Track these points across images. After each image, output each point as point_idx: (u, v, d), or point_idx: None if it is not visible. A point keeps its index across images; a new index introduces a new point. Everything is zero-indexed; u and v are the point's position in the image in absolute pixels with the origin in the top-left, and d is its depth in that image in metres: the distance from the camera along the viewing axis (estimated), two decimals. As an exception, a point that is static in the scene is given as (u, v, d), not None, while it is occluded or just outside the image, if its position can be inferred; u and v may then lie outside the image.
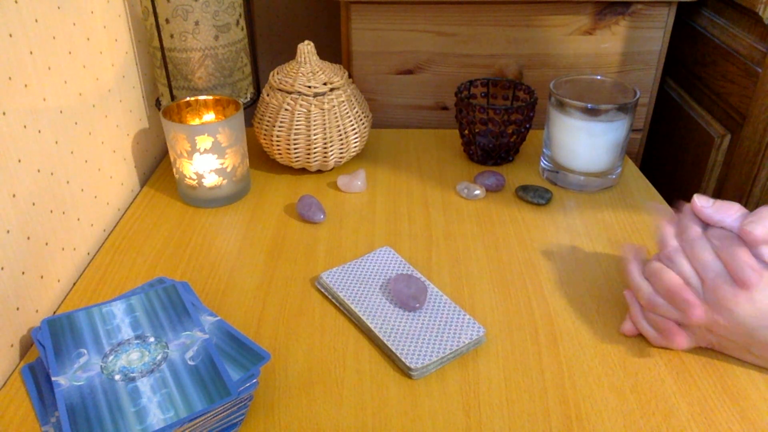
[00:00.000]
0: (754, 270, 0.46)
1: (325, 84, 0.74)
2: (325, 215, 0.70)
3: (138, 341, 0.50)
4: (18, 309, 0.53)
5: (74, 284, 0.61)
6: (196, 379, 0.46)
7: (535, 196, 0.73)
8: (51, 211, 0.58)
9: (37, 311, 0.56)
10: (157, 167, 0.82)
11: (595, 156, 0.74)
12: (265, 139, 0.77)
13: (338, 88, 0.75)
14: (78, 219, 0.63)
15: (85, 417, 0.43)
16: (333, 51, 1.19)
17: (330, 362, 0.52)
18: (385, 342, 0.52)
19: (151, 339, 0.50)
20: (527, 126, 0.79)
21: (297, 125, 0.74)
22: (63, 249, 0.60)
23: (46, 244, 0.58)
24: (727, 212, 0.50)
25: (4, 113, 0.51)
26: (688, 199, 0.54)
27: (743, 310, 0.47)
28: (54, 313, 0.58)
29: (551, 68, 0.93)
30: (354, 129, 0.77)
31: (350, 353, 0.53)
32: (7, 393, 0.49)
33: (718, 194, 0.85)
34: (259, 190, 0.76)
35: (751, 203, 0.79)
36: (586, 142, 0.73)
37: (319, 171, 0.80)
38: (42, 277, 0.57)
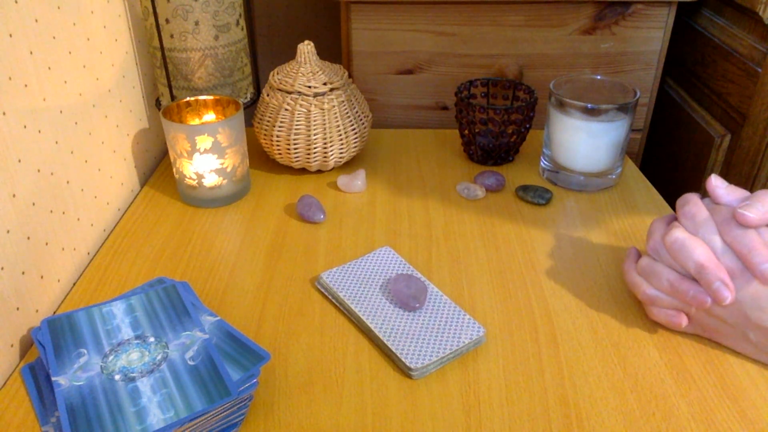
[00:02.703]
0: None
1: (325, 84, 0.74)
2: (325, 215, 0.70)
3: (138, 341, 0.50)
4: (18, 309, 0.53)
5: (74, 284, 0.61)
6: (196, 379, 0.46)
7: (535, 196, 0.73)
8: (51, 211, 0.58)
9: (37, 311, 0.56)
10: (157, 167, 0.82)
11: (595, 156, 0.74)
12: (265, 139, 0.77)
13: (338, 88, 0.75)
14: (78, 219, 0.63)
15: (85, 417, 0.43)
16: (333, 51, 1.19)
17: (330, 362, 0.52)
18: (385, 342, 0.52)
19: (151, 339, 0.50)
20: (527, 126, 0.79)
21: (297, 125, 0.74)
22: (63, 249, 0.60)
23: (46, 244, 0.58)
24: (736, 196, 0.52)
25: (4, 113, 0.51)
26: None
27: (741, 289, 0.48)
28: (54, 313, 0.58)
29: (551, 68, 0.93)
30: (354, 129, 0.77)
31: (350, 353, 0.53)
32: (7, 393, 0.49)
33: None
34: (259, 190, 0.76)
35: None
36: (586, 142, 0.73)
37: (319, 171, 0.80)
38: (42, 277, 0.57)
